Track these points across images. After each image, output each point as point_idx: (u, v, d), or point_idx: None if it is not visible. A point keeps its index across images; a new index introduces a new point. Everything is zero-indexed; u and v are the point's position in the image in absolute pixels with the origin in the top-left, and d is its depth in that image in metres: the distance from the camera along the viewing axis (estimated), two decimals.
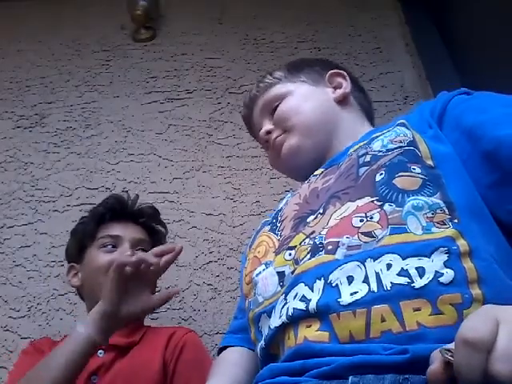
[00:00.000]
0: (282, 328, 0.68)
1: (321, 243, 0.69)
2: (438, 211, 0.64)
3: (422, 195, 0.66)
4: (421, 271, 0.60)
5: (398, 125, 0.78)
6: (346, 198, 0.72)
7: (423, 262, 0.61)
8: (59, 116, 1.82)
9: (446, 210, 0.64)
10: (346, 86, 0.99)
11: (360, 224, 0.67)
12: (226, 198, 1.61)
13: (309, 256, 0.69)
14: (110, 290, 0.88)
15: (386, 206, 0.66)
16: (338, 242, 0.67)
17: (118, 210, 1.23)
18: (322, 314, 0.63)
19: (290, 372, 0.62)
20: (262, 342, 0.73)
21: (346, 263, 0.64)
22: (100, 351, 1.07)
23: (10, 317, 1.41)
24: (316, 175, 0.86)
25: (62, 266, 1.49)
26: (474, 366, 0.42)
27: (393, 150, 0.73)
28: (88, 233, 1.20)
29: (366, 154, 0.76)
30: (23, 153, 1.73)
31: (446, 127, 0.74)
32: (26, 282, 1.47)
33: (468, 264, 0.60)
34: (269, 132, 0.97)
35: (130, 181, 1.66)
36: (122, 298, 0.89)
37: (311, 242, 0.70)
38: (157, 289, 1.44)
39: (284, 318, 0.67)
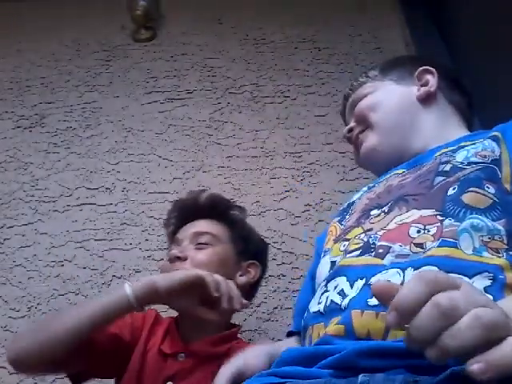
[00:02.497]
0: (317, 316, 0.68)
1: (373, 243, 0.69)
2: (497, 238, 0.62)
3: (486, 217, 0.64)
4: None
5: (489, 137, 0.75)
6: (413, 204, 0.70)
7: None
8: (59, 116, 1.82)
9: (505, 239, 0.62)
10: (433, 83, 0.93)
11: (416, 235, 0.66)
12: None
13: (358, 252, 0.69)
14: (177, 279, 0.91)
15: (446, 221, 0.65)
16: (390, 247, 0.66)
17: (185, 216, 1.20)
18: (347, 308, 0.63)
19: (303, 358, 0.62)
20: (303, 322, 0.75)
21: (389, 269, 0.64)
22: (181, 355, 1.02)
23: (9, 317, 1.41)
24: (397, 174, 0.84)
25: (62, 266, 1.49)
26: (431, 327, 0.40)
27: (474, 164, 0.70)
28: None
29: (448, 162, 0.73)
30: (23, 153, 1.73)
31: None
32: (26, 281, 1.47)
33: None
34: (351, 130, 0.98)
35: (130, 181, 1.66)
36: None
37: (365, 239, 0.71)
38: None
39: (322, 307, 0.68)
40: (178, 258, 1.08)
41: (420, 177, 0.75)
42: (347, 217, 0.84)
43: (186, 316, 1.08)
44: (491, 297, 0.56)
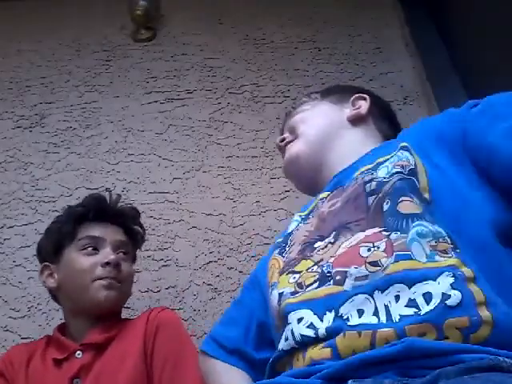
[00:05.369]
0: (291, 351, 0.68)
1: (329, 272, 0.69)
2: (441, 240, 0.66)
3: (426, 220, 0.67)
4: (427, 297, 0.60)
5: (401, 148, 0.78)
6: (357, 229, 0.72)
7: (429, 286, 0.61)
8: (59, 116, 1.82)
9: (448, 240, 0.66)
10: (364, 107, 1.00)
11: (367, 254, 0.67)
12: (226, 198, 1.61)
13: (316, 284, 0.70)
14: None
15: (392, 235, 0.67)
16: (346, 272, 0.67)
17: (98, 209, 1.19)
18: (331, 335, 0.63)
19: (295, 376, 0.64)
20: (270, 359, 0.74)
21: (355, 295, 0.65)
22: (78, 352, 1.05)
23: (10, 317, 1.41)
24: (323, 199, 0.86)
25: None
26: None
27: (395, 173, 0.74)
28: (66, 233, 1.15)
29: (372, 180, 0.76)
30: (23, 153, 1.73)
31: (471, 142, 0.74)
32: (26, 282, 1.47)
33: (474, 288, 0.60)
34: (283, 140, 1.04)
35: (130, 181, 1.66)
36: None
37: (319, 270, 0.71)
38: (157, 289, 1.44)
39: (292, 342, 0.68)
40: (117, 266, 1.11)
41: (350, 201, 0.77)
42: (287, 248, 0.84)
43: (77, 316, 1.12)
44: (460, 293, 0.59)
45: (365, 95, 1.02)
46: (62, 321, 1.21)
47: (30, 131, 1.78)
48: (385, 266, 0.65)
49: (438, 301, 0.59)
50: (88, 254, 1.12)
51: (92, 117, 1.81)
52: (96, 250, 1.13)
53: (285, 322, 0.70)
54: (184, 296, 1.43)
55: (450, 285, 0.60)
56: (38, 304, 1.43)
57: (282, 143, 1.04)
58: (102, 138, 1.76)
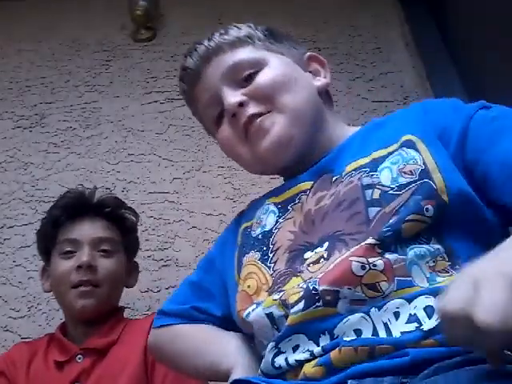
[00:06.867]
0: (283, 373, 0.63)
1: (314, 289, 0.61)
2: (439, 258, 0.61)
3: (421, 242, 0.62)
4: (429, 311, 0.57)
5: (403, 145, 0.67)
6: (353, 243, 0.64)
7: (431, 300, 0.57)
8: (59, 116, 1.82)
9: (446, 257, 0.61)
10: (326, 75, 0.82)
11: (362, 272, 0.60)
12: (226, 198, 1.61)
13: (302, 304, 0.61)
14: None
15: (388, 255, 0.61)
16: (338, 292, 0.60)
17: (75, 207, 1.17)
18: (326, 352, 0.59)
19: None
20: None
21: (349, 316, 0.60)
22: (79, 356, 1.06)
23: (10, 317, 1.41)
24: (306, 190, 0.73)
25: None
26: (458, 335, 0.43)
27: (405, 186, 0.63)
28: (48, 237, 1.16)
29: (374, 186, 0.66)
30: (23, 153, 1.73)
31: (469, 151, 0.66)
32: (26, 282, 1.47)
33: None
34: (241, 104, 0.74)
35: (130, 181, 1.66)
36: None
37: (304, 286, 0.62)
38: (157, 289, 1.44)
39: (285, 367, 0.62)
40: (90, 267, 1.08)
41: (344, 205, 0.67)
42: (270, 255, 0.71)
43: (77, 317, 1.11)
44: None
45: (322, 58, 0.83)
46: (63, 320, 1.21)
47: (30, 131, 1.78)
48: (386, 293, 0.59)
49: None
50: (66, 257, 1.12)
51: (92, 117, 1.81)
52: (74, 252, 1.11)
53: (275, 349, 0.64)
54: None
55: None
56: (38, 304, 1.43)
57: (240, 110, 0.74)
58: (101, 138, 1.76)
